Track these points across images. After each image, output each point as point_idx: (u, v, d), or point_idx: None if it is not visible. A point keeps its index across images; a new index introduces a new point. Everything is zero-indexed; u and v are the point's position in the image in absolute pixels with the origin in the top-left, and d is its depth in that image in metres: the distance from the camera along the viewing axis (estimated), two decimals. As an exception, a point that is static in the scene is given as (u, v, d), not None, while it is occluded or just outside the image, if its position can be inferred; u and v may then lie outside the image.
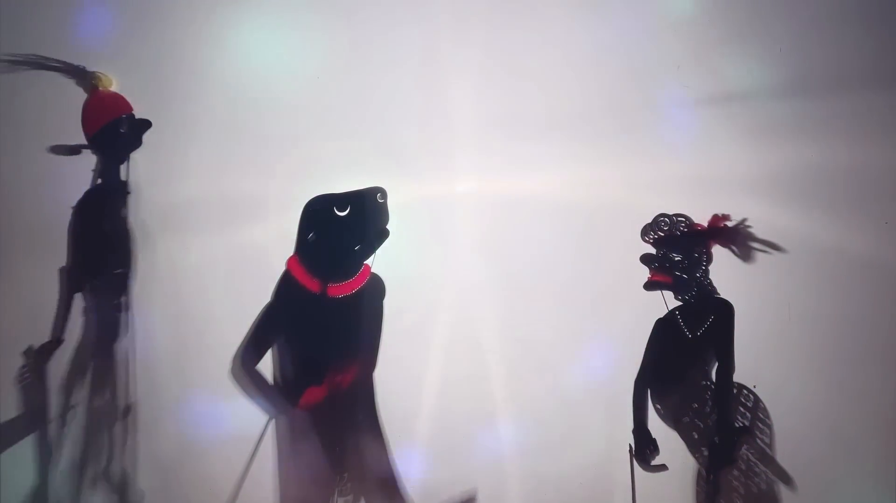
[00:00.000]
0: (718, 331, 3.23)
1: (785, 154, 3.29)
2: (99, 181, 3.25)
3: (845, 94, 3.30)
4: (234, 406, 3.24)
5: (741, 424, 3.26)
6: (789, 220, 3.29)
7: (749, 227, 3.26)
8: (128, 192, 3.25)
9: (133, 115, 3.25)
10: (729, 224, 3.26)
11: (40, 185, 3.26)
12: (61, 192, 3.24)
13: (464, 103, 3.34)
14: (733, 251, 3.28)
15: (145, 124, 3.24)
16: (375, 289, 3.28)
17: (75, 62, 3.22)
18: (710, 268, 3.28)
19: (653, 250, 3.28)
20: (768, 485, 3.27)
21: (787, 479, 3.24)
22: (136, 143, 3.25)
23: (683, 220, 3.27)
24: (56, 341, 3.21)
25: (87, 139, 3.24)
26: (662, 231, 3.27)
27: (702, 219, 3.28)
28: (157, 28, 3.31)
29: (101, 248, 3.23)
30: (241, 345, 3.25)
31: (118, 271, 3.24)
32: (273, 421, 3.23)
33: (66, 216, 3.24)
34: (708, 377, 3.25)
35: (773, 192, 3.29)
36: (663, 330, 3.31)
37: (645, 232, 3.29)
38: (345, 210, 3.24)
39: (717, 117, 3.32)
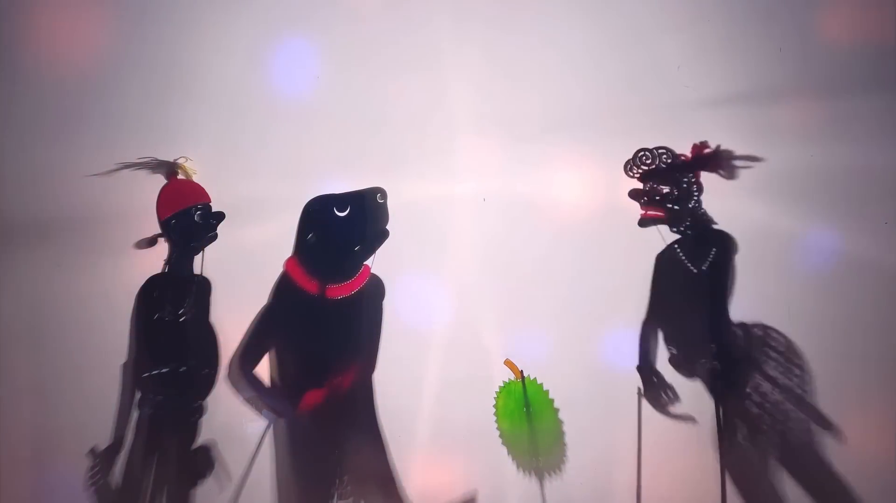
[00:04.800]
0: (720, 262, 3.21)
1: (785, 154, 3.30)
2: (166, 269, 3.21)
3: (845, 94, 3.31)
4: (233, 409, 3.23)
5: (744, 354, 3.22)
6: (789, 220, 3.29)
7: (727, 150, 3.24)
8: (195, 284, 3.21)
9: (209, 206, 3.22)
10: (710, 150, 3.25)
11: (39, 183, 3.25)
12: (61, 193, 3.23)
13: (464, 103, 3.34)
14: (720, 174, 3.25)
15: (220, 216, 3.20)
16: (375, 290, 3.27)
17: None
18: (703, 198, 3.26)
19: (639, 185, 3.26)
20: (803, 431, 3.24)
21: (825, 423, 3.20)
22: (212, 234, 3.21)
23: (665, 151, 3.25)
24: (119, 444, 3.15)
25: (160, 224, 3.21)
26: (646, 165, 3.25)
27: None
28: (156, 28, 3.30)
29: (170, 342, 3.17)
30: (238, 349, 3.24)
31: (204, 372, 3.21)
32: (272, 424, 3.22)
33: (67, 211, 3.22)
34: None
35: (773, 191, 3.29)
36: (666, 267, 3.28)
37: (628, 167, 3.26)
38: (344, 210, 3.23)
39: (717, 117, 3.32)
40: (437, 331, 3.30)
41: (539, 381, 3.28)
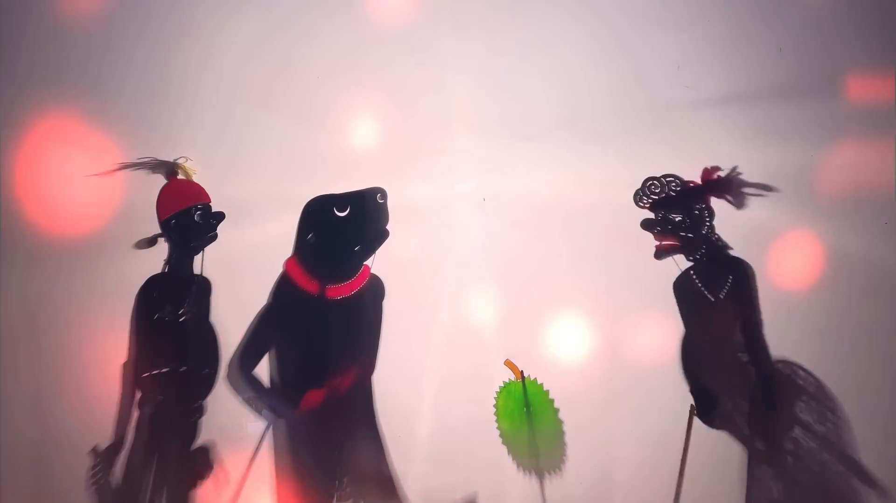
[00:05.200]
0: (740, 291, 3.18)
1: (785, 154, 3.29)
2: (166, 269, 3.22)
3: (845, 94, 3.31)
4: (233, 409, 3.23)
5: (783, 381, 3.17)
6: (789, 220, 3.29)
7: (740, 173, 3.23)
8: (195, 284, 3.21)
9: (209, 206, 3.22)
10: (721, 174, 3.24)
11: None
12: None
13: (464, 103, 3.34)
14: (728, 200, 3.24)
15: (220, 216, 3.21)
16: (375, 290, 3.27)
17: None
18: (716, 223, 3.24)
19: (651, 215, 3.25)
20: (842, 486, 3.16)
21: (868, 480, 3.13)
22: (212, 234, 3.21)
23: (673, 179, 3.23)
24: (119, 443, 3.15)
25: (160, 224, 3.21)
26: (655, 194, 3.23)
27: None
28: (156, 27, 3.30)
29: (170, 342, 3.18)
30: (237, 349, 3.24)
31: (204, 371, 3.21)
32: (272, 424, 3.21)
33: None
34: (740, 349, 3.19)
35: (773, 192, 3.29)
36: (683, 296, 3.25)
37: (638, 198, 3.25)
38: (344, 210, 3.23)
39: (717, 117, 3.32)
40: (437, 331, 3.30)
41: (539, 381, 3.27)
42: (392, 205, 3.25)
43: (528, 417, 3.25)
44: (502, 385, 3.28)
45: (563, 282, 3.33)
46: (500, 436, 3.27)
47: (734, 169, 3.24)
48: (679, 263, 3.28)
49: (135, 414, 3.17)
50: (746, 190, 3.24)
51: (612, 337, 3.33)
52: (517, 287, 3.34)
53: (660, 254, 3.25)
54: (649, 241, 3.31)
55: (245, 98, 3.31)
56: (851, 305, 3.28)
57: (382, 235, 3.24)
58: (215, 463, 3.19)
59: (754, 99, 3.33)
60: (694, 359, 3.23)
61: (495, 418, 3.27)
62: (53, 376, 3.24)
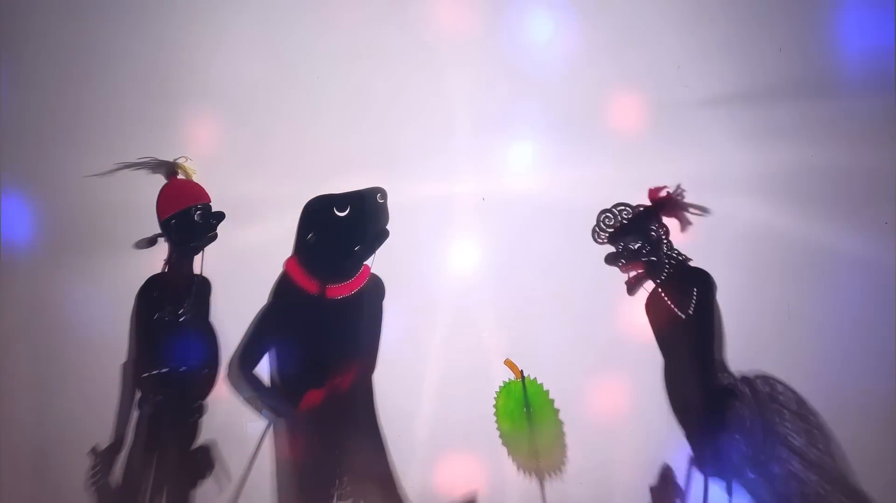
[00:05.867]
0: (704, 304, 3.17)
1: (785, 154, 3.29)
2: (166, 269, 3.21)
3: (845, 94, 3.31)
4: (233, 409, 3.24)
5: (726, 385, 3.16)
6: (789, 220, 3.29)
7: (682, 192, 3.23)
8: (195, 284, 3.21)
9: (209, 206, 3.22)
10: (669, 192, 3.24)
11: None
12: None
13: (464, 104, 3.34)
14: (679, 219, 3.23)
15: (220, 216, 3.21)
16: (375, 289, 3.27)
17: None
18: (680, 250, 3.23)
19: (611, 249, 3.25)
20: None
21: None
22: (212, 234, 3.21)
23: (623, 207, 3.24)
24: (119, 443, 3.16)
25: (160, 224, 3.21)
26: (610, 227, 3.24)
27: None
28: (156, 27, 3.30)
29: (170, 342, 3.17)
30: (237, 349, 3.24)
31: (204, 371, 3.21)
32: (272, 424, 3.21)
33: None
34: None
35: (773, 192, 3.29)
36: (656, 317, 3.23)
37: (595, 234, 3.26)
38: (344, 210, 3.23)
39: (717, 117, 3.32)
40: (437, 331, 3.30)
41: (539, 381, 3.27)
42: (392, 205, 3.25)
43: (528, 417, 3.24)
44: (502, 385, 3.28)
45: (562, 281, 3.33)
46: (500, 436, 3.27)
47: (678, 187, 3.23)
48: (647, 287, 3.27)
49: (134, 414, 3.17)
50: (686, 213, 3.24)
51: (612, 336, 3.32)
52: (517, 287, 3.34)
53: (632, 288, 3.25)
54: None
55: (245, 98, 3.31)
56: (851, 305, 3.28)
57: (382, 235, 3.24)
58: (215, 463, 3.19)
59: (754, 99, 3.33)
60: (680, 389, 3.22)
61: (495, 418, 3.27)
62: (53, 376, 3.24)
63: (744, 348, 3.22)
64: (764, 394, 3.19)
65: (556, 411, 3.26)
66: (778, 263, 3.30)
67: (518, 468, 3.27)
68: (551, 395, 3.28)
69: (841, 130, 3.30)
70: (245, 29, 3.32)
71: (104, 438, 3.17)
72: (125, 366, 3.20)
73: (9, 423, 3.23)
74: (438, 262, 3.33)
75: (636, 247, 3.22)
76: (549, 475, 3.26)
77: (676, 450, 3.24)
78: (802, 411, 3.18)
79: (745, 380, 3.21)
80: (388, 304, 3.27)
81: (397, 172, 3.30)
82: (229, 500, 3.19)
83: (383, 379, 3.25)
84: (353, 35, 3.34)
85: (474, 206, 3.35)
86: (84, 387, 3.22)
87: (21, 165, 3.28)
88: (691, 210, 3.23)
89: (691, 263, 3.24)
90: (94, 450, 3.15)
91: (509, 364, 3.26)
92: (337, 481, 3.18)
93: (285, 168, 3.29)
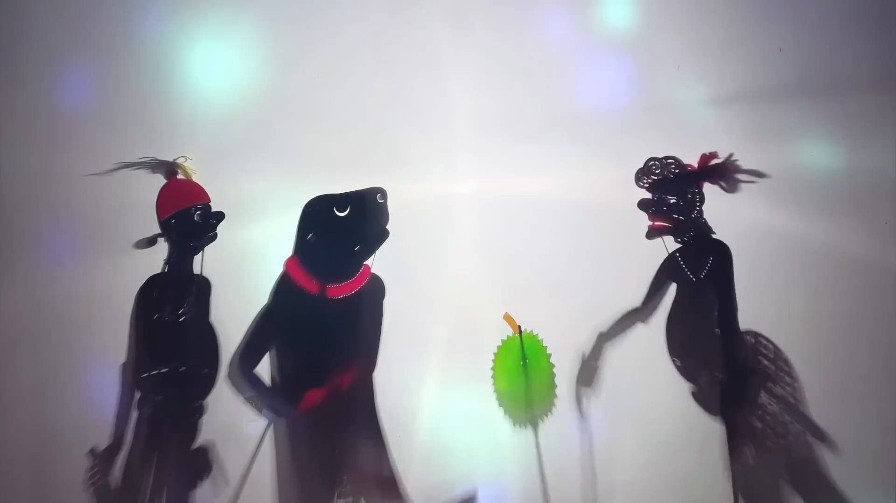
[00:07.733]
0: (718, 272, 3.24)
1: (785, 154, 3.30)
2: (166, 269, 3.22)
3: (845, 94, 3.32)
4: (233, 409, 3.23)
5: (753, 366, 3.25)
6: (789, 220, 3.30)
7: (736, 160, 3.26)
8: (195, 284, 3.21)
9: (209, 206, 3.22)
10: (718, 160, 3.27)
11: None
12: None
13: (464, 104, 3.34)
14: (721, 186, 3.28)
15: (220, 216, 3.21)
16: (375, 289, 3.27)
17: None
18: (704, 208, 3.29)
19: (648, 195, 3.30)
20: (802, 444, 3.25)
21: (820, 435, 3.22)
22: (212, 234, 3.21)
23: (673, 161, 3.28)
24: (119, 444, 3.16)
25: (159, 224, 3.21)
26: (655, 175, 3.28)
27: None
28: (156, 27, 3.30)
29: (170, 342, 3.18)
30: (238, 348, 3.24)
31: (204, 371, 3.21)
32: (272, 423, 3.22)
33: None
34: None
35: (773, 192, 3.29)
36: (667, 276, 3.32)
37: (638, 177, 3.30)
38: (344, 210, 3.23)
39: (717, 117, 3.32)
40: (437, 331, 3.30)
41: (537, 334, 3.30)
42: (392, 205, 3.25)
43: (525, 370, 3.25)
44: (500, 344, 3.28)
45: (562, 281, 3.33)
46: (497, 397, 3.27)
47: (730, 156, 3.26)
48: (668, 246, 3.32)
49: (134, 414, 3.17)
50: (740, 176, 3.27)
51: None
52: (517, 286, 3.34)
53: (651, 234, 3.31)
54: (649, 241, 3.32)
55: (245, 98, 3.31)
56: (851, 305, 3.28)
57: (382, 235, 3.24)
58: (215, 463, 3.19)
59: (754, 99, 3.33)
60: (676, 335, 3.30)
61: (492, 380, 3.27)
62: (53, 376, 3.24)
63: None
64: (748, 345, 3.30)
65: (549, 355, 3.28)
66: (778, 263, 3.30)
67: (513, 424, 3.27)
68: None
69: (841, 130, 3.32)
70: (245, 28, 3.32)
71: (103, 438, 3.17)
72: (125, 366, 3.20)
73: (9, 424, 3.23)
74: (438, 262, 3.33)
75: (672, 202, 3.26)
76: (542, 420, 3.27)
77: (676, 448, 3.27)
78: (778, 360, 3.28)
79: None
80: (388, 304, 3.28)
81: (397, 172, 3.30)
82: (229, 500, 3.19)
83: (383, 379, 3.25)
84: (354, 35, 3.34)
85: (474, 206, 3.35)
86: (84, 387, 3.22)
87: (21, 165, 3.28)
88: (744, 177, 3.26)
89: (714, 236, 3.29)
90: (92, 451, 3.15)
91: (508, 319, 3.26)
92: (337, 480, 3.18)
93: (285, 168, 3.29)
